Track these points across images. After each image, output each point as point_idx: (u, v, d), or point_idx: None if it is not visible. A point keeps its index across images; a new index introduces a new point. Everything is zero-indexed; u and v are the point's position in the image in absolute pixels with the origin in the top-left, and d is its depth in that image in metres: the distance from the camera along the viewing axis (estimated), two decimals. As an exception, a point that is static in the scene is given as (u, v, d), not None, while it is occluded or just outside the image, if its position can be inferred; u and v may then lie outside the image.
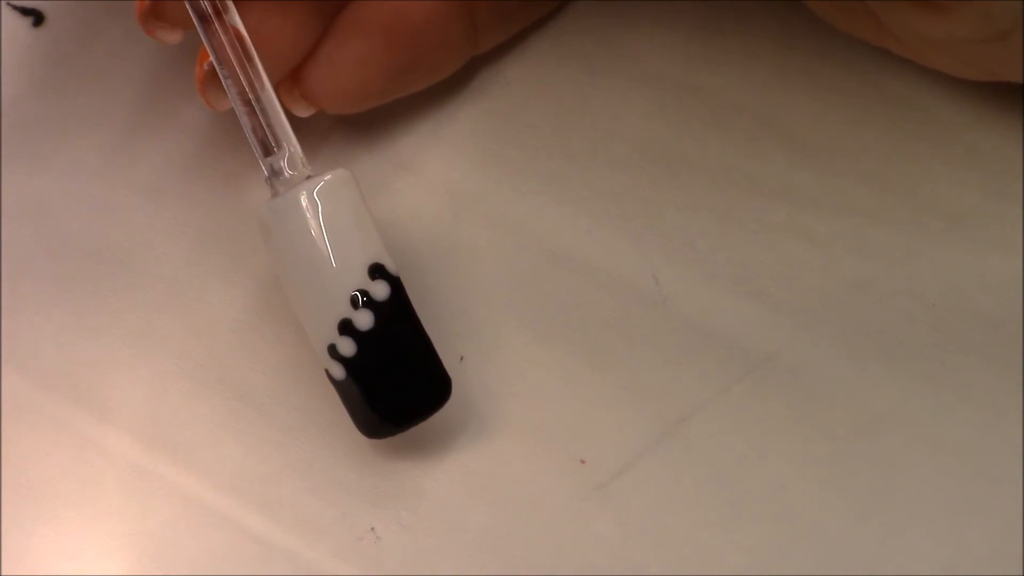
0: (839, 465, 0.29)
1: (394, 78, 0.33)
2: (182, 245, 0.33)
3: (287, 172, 0.29)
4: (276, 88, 0.32)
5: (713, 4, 0.35)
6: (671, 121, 0.34)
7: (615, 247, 0.32)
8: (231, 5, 0.29)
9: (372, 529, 0.29)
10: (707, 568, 0.28)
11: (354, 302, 0.28)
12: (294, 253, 0.29)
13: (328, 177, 0.29)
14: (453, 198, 0.33)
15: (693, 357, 0.31)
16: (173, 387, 0.31)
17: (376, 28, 0.32)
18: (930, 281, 0.31)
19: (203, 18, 0.29)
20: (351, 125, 0.34)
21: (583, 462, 0.30)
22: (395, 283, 0.29)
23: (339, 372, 0.29)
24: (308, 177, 0.29)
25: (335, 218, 0.29)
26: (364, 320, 0.28)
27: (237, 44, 0.29)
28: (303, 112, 0.33)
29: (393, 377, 0.29)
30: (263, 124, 0.29)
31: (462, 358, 0.31)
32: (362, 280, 0.29)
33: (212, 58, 0.29)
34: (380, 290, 0.29)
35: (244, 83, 0.29)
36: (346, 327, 0.28)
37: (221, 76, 0.29)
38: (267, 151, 0.29)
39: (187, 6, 0.29)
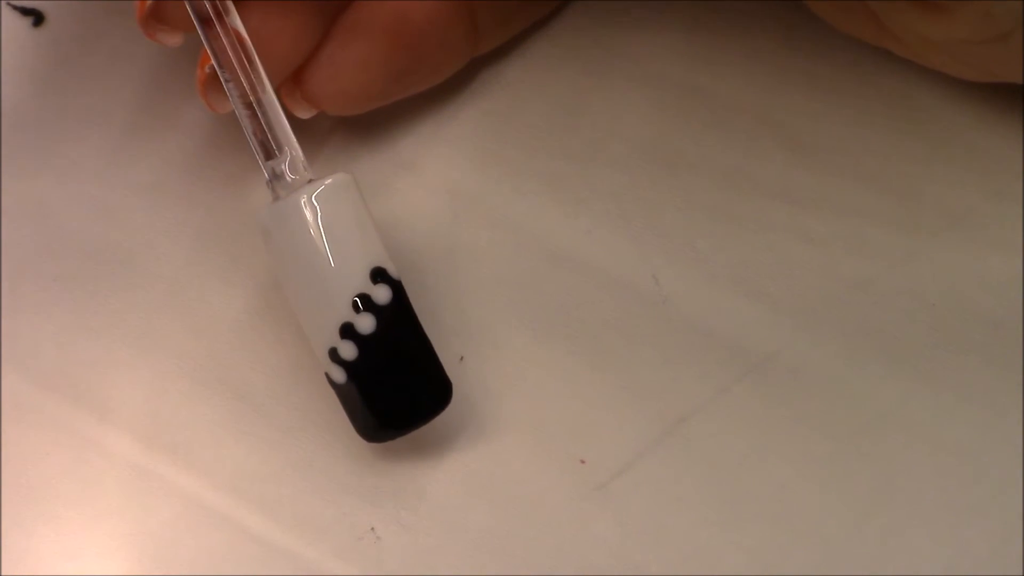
0: (839, 465, 0.29)
1: (395, 79, 0.33)
2: (182, 245, 0.33)
3: (288, 175, 0.29)
4: (277, 90, 0.32)
5: (713, 4, 0.35)
6: (671, 121, 0.34)
7: (615, 247, 0.32)
8: (232, 7, 0.29)
9: (372, 529, 0.29)
10: (707, 568, 0.28)
11: (355, 306, 0.28)
12: (295, 257, 0.29)
13: (329, 181, 0.29)
14: (453, 198, 0.33)
15: (693, 357, 0.31)
16: (173, 387, 0.31)
17: (377, 30, 0.32)
18: (930, 281, 0.31)
19: (204, 20, 0.29)
20: (352, 126, 0.34)
21: (583, 462, 0.30)
22: (396, 287, 0.29)
23: (340, 376, 0.29)
24: (309, 181, 0.29)
25: (336, 222, 0.29)
26: (365, 324, 0.28)
27: (238, 46, 0.29)
28: (305, 114, 0.33)
29: (394, 381, 0.29)
30: (264, 127, 0.29)
31: (462, 358, 0.31)
32: (363, 284, 0.29)
33: (213, 60, 0.29)
34: (382, 294, 0.29)
35: (245, 86, 0.29)
36: (347, 331, 0.28)
37: (222, 79, 0.29)
38: (268, 154, 0.29)
39: (188, 8, 0.29)
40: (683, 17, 0.35)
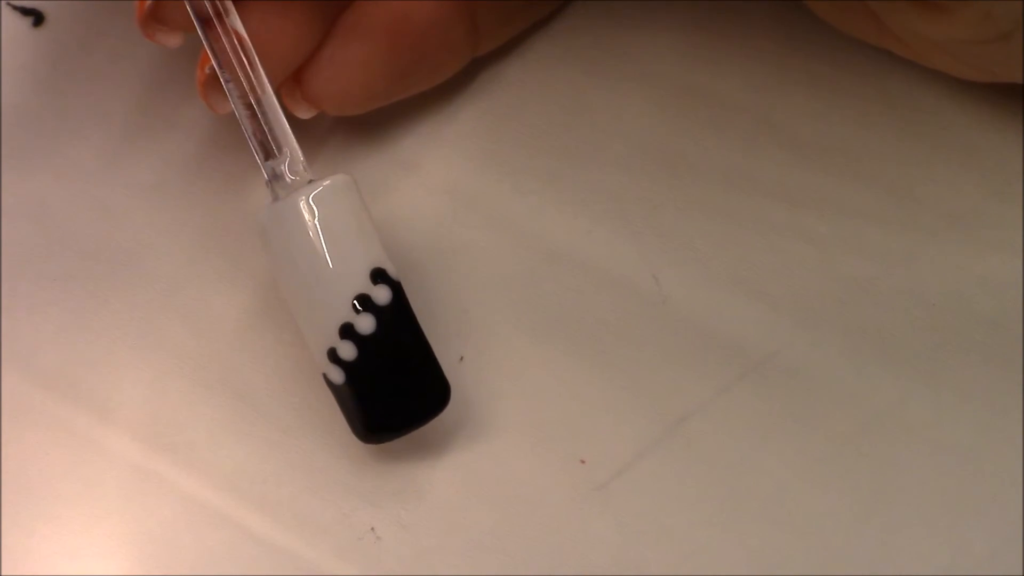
0: (839, 465, 0.29)
1: (396, 80, 0.33)
2: (182, 245, 0.33)
3: (288, 176, 0.29)
4: (278, 90, 0.32)
5: (713, 4, 0.35)
6: (671, 121, 0.34)
7: (615, 247, 0.32)
8: (232, 7, 0.29)
9: (372, 529, 0.29)
10: (707, 568, 0.28)
11: (356, 306, 0.28)
12: (295, 257, 0.29)
13: (329, 182, 0.29)
14: (453, 198, 0.33)
15: (693, 357, 0.31)
16: (173, 387, 0.31)
17: (378, 30, 0.32)
18: (930, 281, 0.31)
19: (204, 21, 0.29)
20: (352, 126, 0.34)
21: (583, 462, 0.30)
22: (396, 288, 0.29)
23: (338, 376, 0.29)
24: (309, 181, 0.29)
25: (338, 222, 0.29)
26: (366, 324, 0.28)
27: (238, 47, 0.29)
28: (305, 114, 0.33)
29: (393, 382, 0.29)
30: (264, 127, 0.29)
31: (462, 358, 0.31)
32: (364, 284, 0.29)
33: (213, 61, 0.29)
34: (382, 294, 0.29)
35: (245, 86, 0.29)
36: (347, 331, 0.28)
37: (222, 79, 0.29)
38: (268, 154, 0.29)
39: (188, 8, 0.29)
40: (683, 17, 0.35)
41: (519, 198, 0.33)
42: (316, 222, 0.28)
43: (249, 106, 0.29)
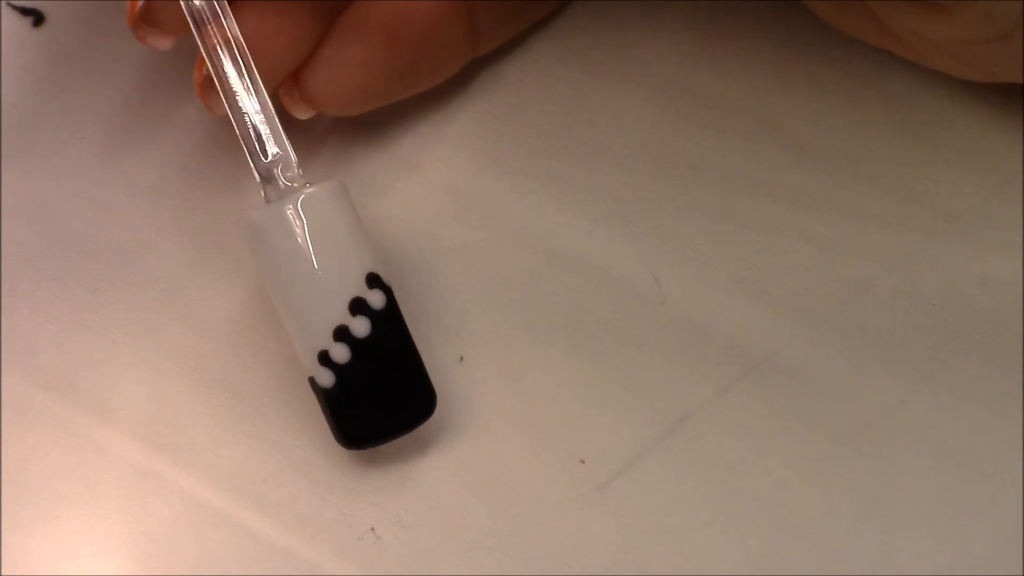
0: (839, 465, 0.29)
1: (395, 80, 0.33)
2: (182, 245, 0.33)
3: (281, 180, 0.29)
4: (276, 90, 0.32)
5: (713, 5, 0.35)
6: (671, 121, 0.34)
7: (615, 247, 0.32)
8: (227, 9, 0.29)
9: (372, 529, 0.29)
10: (707, 568, 0.28)
11: (352, 309, 0.28)
12: (289, 258, 0.28)
13: (320, 186, 0.29)
14: (453, 198, 0.33)
15: (693, 357, 0.31)
16: (173, 387, 0.31)
17: (377, 30, 0.32)
18: (930, 281, 0.31)
19: (198, 23, 0.29)
20: (351, 125, 0.34)
21: (583, 462, 0.30)
22: (389, 293, 0.29)
23: (328, 379, 0.29)
24: (303, 185, 0.29)
25: (333, 226, 0.29)
26: (361, 327, 0.28)
27: (233, 49, 0.29)
28: (303, 114, 0.32)
29: (383, 386, 0.29)
30: (257, 130, 0.29)
31: (462, 358, 0.31)
32: (359, 288, 0.29)
33: (207, 62, 0.29)
34: (377, 299, 0.29)
35: (239, 89, 0.29)
36: (342, 334, 0.28)
37: (216, 81, 0.29)
38: (261, 157, 0.29)
39: (184, 9, 0.29)
40: (683, 17, 0.35)
41: (519, 198, 0.33)
42: (308, 226, 0.28)
43: (243, 108, 0.29)
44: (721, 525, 0.29)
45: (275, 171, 0.29)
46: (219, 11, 0.29)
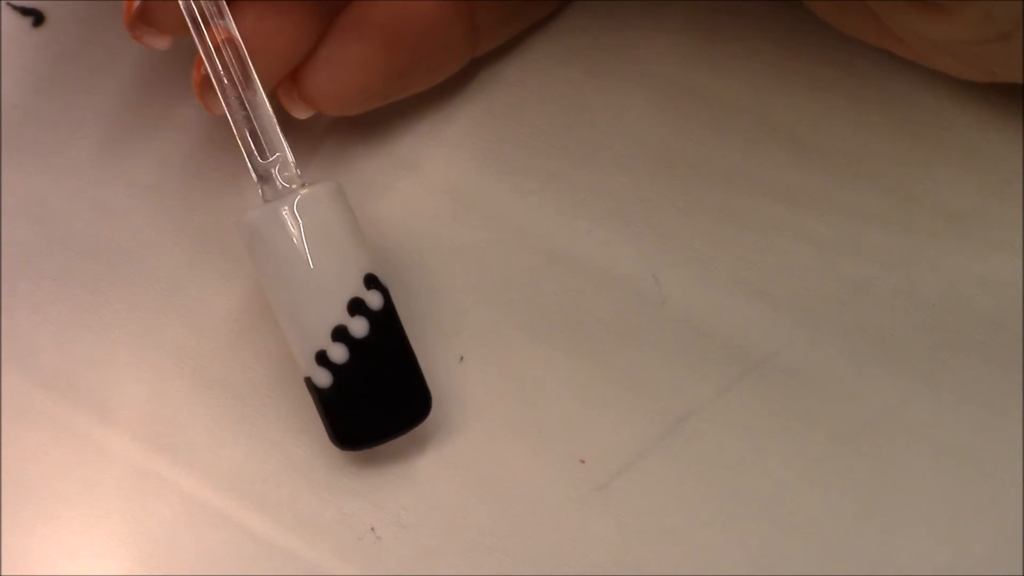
0: (839, 465, 0.29)
1: (394, 80, 0.33)
2: (182, 245, 0.33)
3: (279, 181, 0.29)
4: (275, 90, 0.32)
5: (713, 5, 0.35)
6: (671, 121, 0.34)
7: (615, 247, 0.32)
8: (226, 9, 0.29)
9: (372, 529, 0.29)
10: (707, 568, 0.28)
11: (351, 309, 0.28)
12: (286, 259, 0.28)
13: (320, 187, 0.29)
14: (453, 198, 0.33)
15: (693, 357, 0.31)
16: (173, 387, 0.31)
17: (375, 30, 0.32)
18: (930, 281, 0.31)
19: (196, 23, 0.29)
20: (350, 125, 0.34)
21: (583, 462, 0.30)
22: (386, 294, 0.29)
23: (325, 379, 0.29)
24: (300, 185, 0.29)
25: (331, 227, 0.29)
26: (359, 327, 0.29)
27: (230, 50, 0.29)
28: (302, 114, 0.32)
29: (380, 386, 0.29)
30: (255, 130, 0.29)
31: (462, 358, 0.31)
32: (358, 288, 0.29)
33: (205, 63, 0.29)
34: (375, 299, 0.29)
35: (237, 89, 0.29)
36: (340, 334, 0.28)
37: (214, 81, 0.29)
38: (258, 157, 0.29)
39: (181, 8, 0.29)
40: (683, 17, 0.35)
41: (519, 198, 0.33)
42: (305, 227, 0.28)
43: (241, 108, 0.29)
44: (721, 525, 0.29)
45: (273, 171, 0.29)
46: (217, 11, 0.29)
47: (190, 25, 0.29)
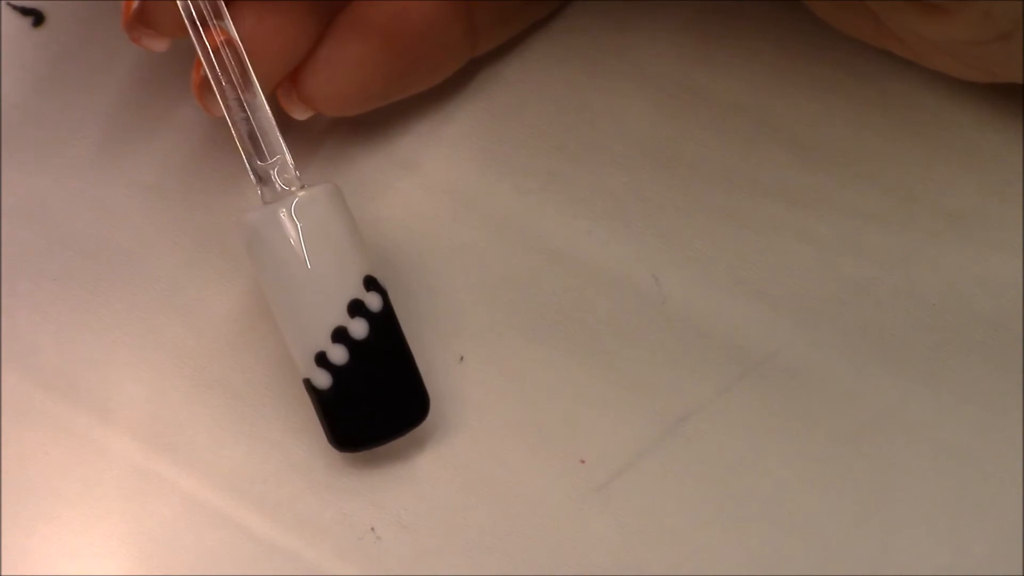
0: (839, 465, 0.29)
1: (393, 80, 0.33)
2: (182, 245, 0.33)
3: (278, 183, 0.29)
4: (274, 91, 0.32)
5: (713, 5, 0.35)
6: (671, 121, 0.34)
7: (615, 247, 0.32)
8: (224, 10, 0.29)
9: (372, 529, 0.29)
10: (707, 568, 0.28)
11: (351, 310, 0.28)
12: (286, 260, 0.28)
13: (318, 189, 0.29)
14: (453, 198, 0.33)
15: (693, 357, 0.31)
16: (173, 387, 0.31)
17: (375, 30, 0.32)
18: (930, 281, 0.31)
19: (195, 24, 0.29)
20: (350, 125, 0.34)
21: (583, 462, 0.30)
22: (385, 296, 0.29)
23: (324, 380, 0.29)
24: (299, 187, 0.29)
25: (329, 229, 0.29)
26: (359, 329, 0.29)
27: (229, 51, 0.29)
28: (301, 115, 0.32)
29: (379, 388, 0.29)
30: (255, 132, 0.29)
31: (462, 358, 0.31)
32: (358, 290, 0.29)
33: (203, 64, 0.29)
34: (374, 301, 0.29)
35: (236, 91, 0.29)
36: (340, 335, 0.28)
37: (213, 82, 0.29)
38: (257, 159, 0.29)
39: (180, 8, 0.29)
40: (683, 17, 0.35)
41: (519, 197, 0.33)
42: (304, 229, 0.28)
43: (240, 110, 0.29)
44: (721, 525, 0.29)
45: (272, 173, 0.29)
46: (216, 12, 0.29)
47: (188, 26, 0.29)
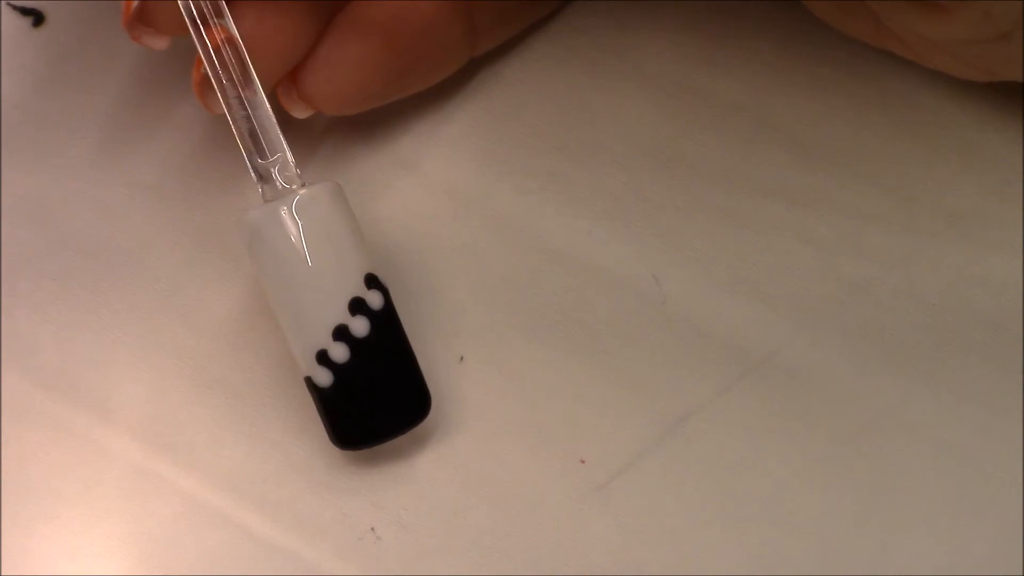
0: (839, 465, 0.29)
1: (393, 80, 0.33)
2: (182, 245, 0.33)
3: (279, 181, 0.29)
4: (274, 90, 0.32)
5: (713, 4, 0.35)
6: (671, 121, 0.34)
7: (615, 247, 0.32)
8: (225, 9, 0.29)
9: (372, 529, 0.29)
10: (707, 568, 0.28)
11: (352, 308, 0.28)
12: (287, 258, 0.28)
13: (319, 187, 0.29)
14: (453, 198, 0.33)
15: (693, 357, 0.31)
16: (173, 387, 0.31)
17: (374, 29, 0.32)
18: (930, 281, 0.31)
19: (195, 23, 0.29)
20: (350, 125, 0.34)
21: (583, 462, 0.30)
22: (386, 294, 0.29)
23: (325, 379, 0.29)
24: (300, 185, 0.29)
25: (331, 227, 0.29)
26: (360, 327, 0.29)
27: (230, 50, 0.29)
28: (301, 114, 0.32)
29: (380, 386, 0.29)
30: (255, 130, 0.29)
31: (462, 358, 0.31)
32: (359, 288, 0.29)
33: (204, 63, 0.29)
34: (375, 299, 0.29)
35: (236, 89, 0.29)
36: (341, 333, 0.28)
37: (214, 81, 0.29)
38: (258, 157, 0.29)
39: (180, 7, 0.29)
40: (683, 17, 0.35)
41: (519, 197, 0.33)
42: (305, 227, 0.28)
43: (240, 108, 0.29)
44: (721, 525, 0.29)
45: (272, 171, 0.29)
46: (216, 11, 0.29)
47: (189, 25, 0.29)
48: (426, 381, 0.29)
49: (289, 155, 0.29)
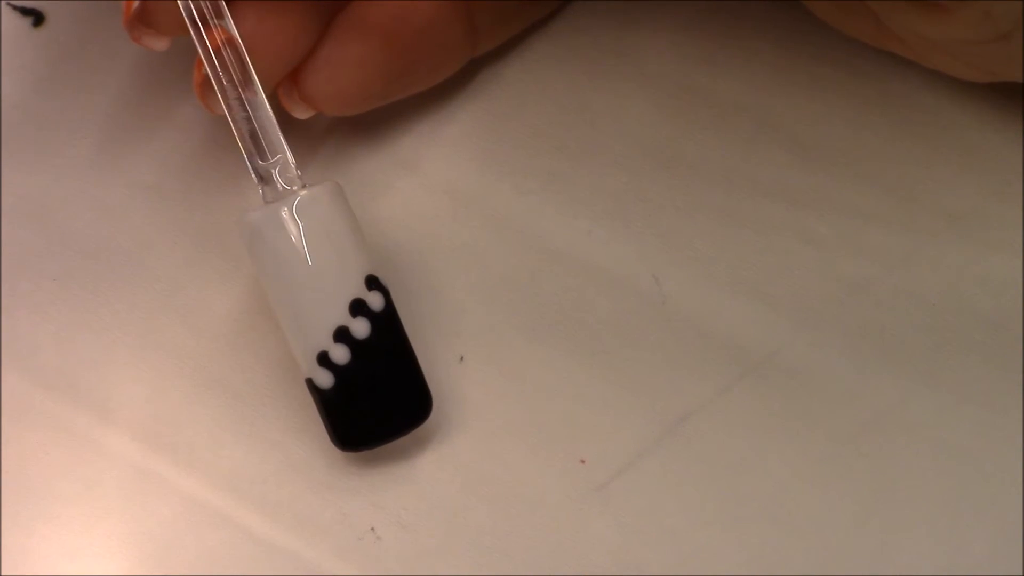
0: (839, 465, 0.29)
1: (393, 80, 0.33)
2: (182, 245, 0.33)
3: (279, 183, 0.29)
4: (275, 90, 0.32)
5: (713, 4, 0.35)
6: (671, 121, 0.34)
7: (615, 247, 0.32)
8: (225, 10, 0.29)
9: (372, 529, 0.29)
10: (707, 568, 0.28)
11: (353, 310, 0.28)
12: (287, 260, 0.28)
13: (320, 188, 0.29)
14: (453, 198, 0.33)
15: (693, 357, 0.31)
16: (173, 387, 0.31)
17: (375, 30, 0.32)
18: (930, 281, 0.31)
19: (196, 23, 0.29)
20: (350, 125, 0.34)
21: (583, 462, 0.30)
22: (387, 295, 0.29)
23: (326, 380, 0.29)
24: (300, 186, 0.29)
25: (331, 228, 0.29)
26: (361, 328, 0.29)
27: (230, 50, 0.29)
28: (302, 114, 0.32)
29: (381, 387, 0.29)
30: (256, 131, 0.29)
31: (462, 358, 0.31)
32: (359, 289, 0.29)
33: (204, 63, 0.29)
34: (376, 300, 0.29)
35: (237, 90, 0.29)
36: (342, 335, 0.28)
37: (214, 81, 0.29)
38: (259, 158, 0.29)
39: (180, 8, 0.29)
40: (683, 17, 0.35)
41: (519, 197, 0.33)
42: (305, 228, 0.28)
43: (241, 109, 0.29)
44: (721, 525, 0.29)
45: (273, 172, 0.29)
46: (216, 11, 0.29)
47: (189, 26, 0.29)
48: (426, 381, 0.29)
49: (290, 156, 0.29)
